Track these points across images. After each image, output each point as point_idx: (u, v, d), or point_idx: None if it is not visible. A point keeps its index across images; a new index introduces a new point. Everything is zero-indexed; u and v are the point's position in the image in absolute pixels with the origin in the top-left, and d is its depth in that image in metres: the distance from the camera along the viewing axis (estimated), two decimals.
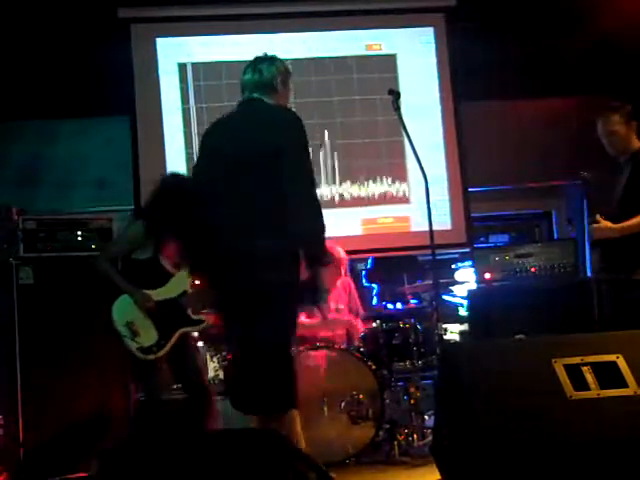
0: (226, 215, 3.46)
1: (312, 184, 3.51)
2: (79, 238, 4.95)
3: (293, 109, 6.33)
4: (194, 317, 4.26)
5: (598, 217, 4.07)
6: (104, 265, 4.18)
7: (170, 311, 4.17)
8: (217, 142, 3.65)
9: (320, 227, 3.45)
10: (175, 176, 4.38)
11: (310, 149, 3.54)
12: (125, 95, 6.30)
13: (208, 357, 6.22)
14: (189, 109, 6.36)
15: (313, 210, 3.43)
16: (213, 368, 6.17)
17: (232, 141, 3.55)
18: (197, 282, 4.32)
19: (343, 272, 5.57)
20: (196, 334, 5.93)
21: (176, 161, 6.28)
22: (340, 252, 5.43)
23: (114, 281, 4.13)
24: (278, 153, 3.38)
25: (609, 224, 4.08)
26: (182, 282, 4.25)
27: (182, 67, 6.39)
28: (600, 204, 4.65)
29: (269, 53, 3.90)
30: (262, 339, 3.40)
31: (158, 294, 4.16)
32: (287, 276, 3.37)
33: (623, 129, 4.30)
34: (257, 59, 3.79)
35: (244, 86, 3.72)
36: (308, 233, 3.42)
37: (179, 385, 4.55)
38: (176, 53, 6.41)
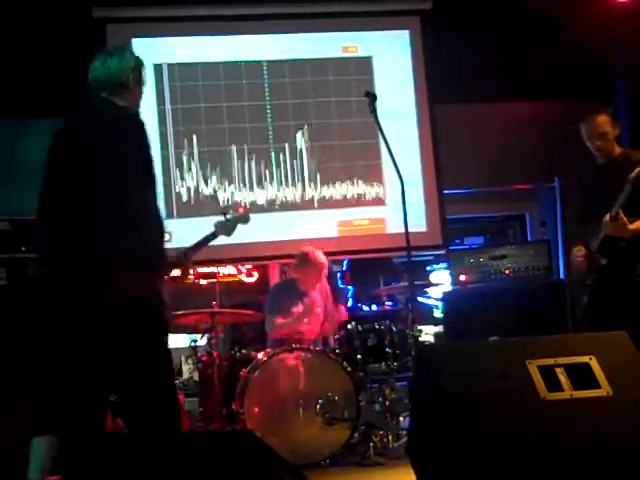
0: (72, 221, 3.18)
1: (148, 191, 3.16)
2: None
3: (268, 110, 6.42)
4: None
5: (620, 213, 4.07)
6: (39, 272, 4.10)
7: None
8: (63, 151, 3.40)
9: (148, 239, 3.12)
10: None
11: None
12: None
13: (183, 359, 6.22)
14: (165, 110, 6.33)
15: (145, 219, 3.12)
16: (188, 370, 6.17)
17: (76, 150, 3.30)
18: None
19: (322, 277, 5.57)
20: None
21: None
22: (321, 257, 5.44)
23: None
24: (118, 163, 3.13)
25: (627, 222, 4.09)
26: None
27: (158, 68, 6.36)
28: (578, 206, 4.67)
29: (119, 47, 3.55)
30: None
31: None
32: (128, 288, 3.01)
33: (612, 130, 4.34)
34: (106, 52, 3.43)
35: (93, 80, 3.40)
36: (137, 245, 3.08)
37: None
38: (152, 54, 6.37)
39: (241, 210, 3.90)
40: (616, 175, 4.27)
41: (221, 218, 3.81)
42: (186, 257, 3.70)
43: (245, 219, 3.87)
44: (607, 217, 4.15)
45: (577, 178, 4.75)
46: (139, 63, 3.42)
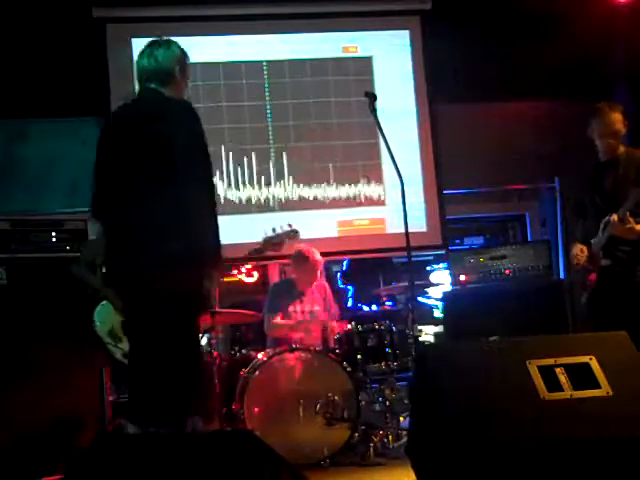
0: (121, 217, 3.29)
1: (203, 182, 3.20)
2: (53, 239, 4.91)
3: (268, 110, 6.42)
4: None
5: (627, 215, 4.07)
6: (81, 270, 4.09)
7: None
8: (112, 140, 3.47)
9: (208, 229, 3.17)
10: None
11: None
12: (100, 95, 6.26)
13: None
14: None
15: (201, 210, 3.15)
16: None
17: (124, 139, 3.35)
18: None
19: (319, 274, 5.58)
20: None
21: None
22: (316, 254, 5.45)
23: (92, 285, 4.06)
24: (166, 150, 3.15)
25: (634, 225, 4.09)
26: None
27: None
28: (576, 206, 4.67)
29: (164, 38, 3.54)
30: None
31: None
32: (176, 281, 3.12)
33: (623, 128, 4.34)
34: (153, 43, 3.45)
35: (139, 73, 3.42)
36: (198, 235, 3.14)
37: None
38: None
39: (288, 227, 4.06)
40: (620, 173, 4.27)
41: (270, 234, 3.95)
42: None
43: (294, 232, 4.05)
44: (614, 217, 4.14)
45: (576, 177, 4.75)
46: (184, 54, 3.48)
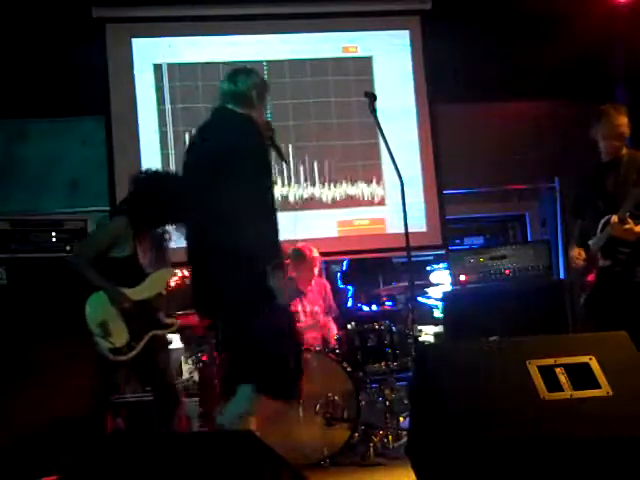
0: (195, 219, 3.65)
1: (258, 187, 3.50)
2: (53, 239, 4.91)
3: (268, 110, 6.41)
4: (165, 321, 4.19)
5: (627, 216, 4.07)
6: (81, 262, 4.08)
7: (143, 312, 4.08)
8: (189, 149, 3.82)
9: (264, 231, 3.46)
10: (153, 171, 4.33)
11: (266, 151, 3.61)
12: (100, 95, 6.27)
13: (183, 359, 6.21)
14: (165, 110, 6.34)
15: (256, 214, 3.44)
16: (187, 370, 6.16)
17: (197, 148, 3.72)
18: (172, 284, 4.27)
19: (317, 272, 5.57)
20: (170, 336, 5.91)
21: (151, 162, 6.24)
22: (313, 252, 5.45)
23: (90, 278, 4.02)
24: (227, 157, 3.48)
25: (634, 226, 4.09)
26: (158, 283, 4.17)
27: (158, 68, 6.37)
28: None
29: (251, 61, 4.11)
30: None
31: (134, 293, 4.08)
32: (243, 279, 3.42)
33: (628, 131, 4.34)
34: (235, 70, 3.83)
35: (220, 96, 3.77)
36: (254, 237, 3.41)
37: (148, 388, 4.48)
38: (152, 54, 6.38)
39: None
40: (622, 175, 4.26)
41: None
42: None
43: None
44: (615, 218, 4.14)
45: (576, 176, 4.75)
46: (263, 83, 3.83)
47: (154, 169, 4.35)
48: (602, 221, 4.26)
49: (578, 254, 4.39)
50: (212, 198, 3.48)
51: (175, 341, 6.33)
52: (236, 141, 3.53)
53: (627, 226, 4.10)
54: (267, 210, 3.51)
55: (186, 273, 5.73)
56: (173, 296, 4.25)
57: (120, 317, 4.02)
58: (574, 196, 4.68)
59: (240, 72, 3.80)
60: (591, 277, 4.33)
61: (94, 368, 4.40)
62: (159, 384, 4.20)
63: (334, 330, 5.35)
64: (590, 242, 4.34)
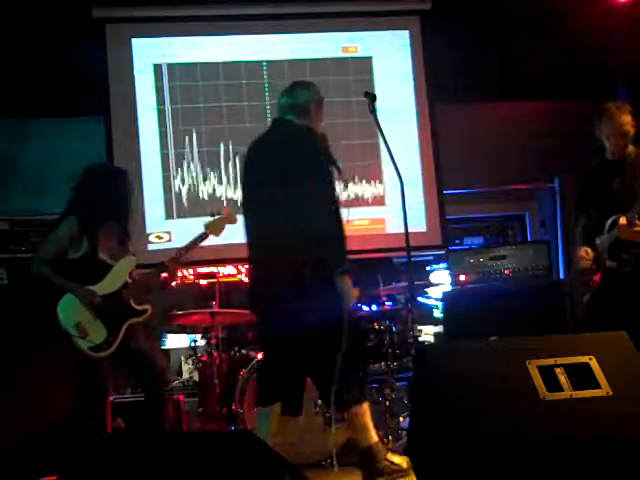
0: (253, 227, 3.83)
1: (324, 193, 3.69)
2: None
3: (268, 110, 6.41)
4: (138, 308, 4.18)
5: (636, 218, 4.05)
6: (42, 268, 4.08)
7: (114, 305, 4.08)
8: (247, 159, 3.98)
9: (333, 236, 3.61)
10: (96, 164, 4.42)
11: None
12: (100, 95, 6.26)
13: (183, 359, 6.22)
14: (164, 110, 6.33)
15: (325, 220, 3.61)
16: (187, 370, 6.17)
17: (255, 158, 3.90)
18: (133, 273, 4.27)
19: None
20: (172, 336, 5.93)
21: (151, 162, 6.26)
22: None
23: (54, 282, 4.04)
24: (285, 168, 3.66)
25: None
26: (122, 273, 4.17)
27: (157, 67, 6.36)
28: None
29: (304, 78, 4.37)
30: None
31: (101, 289, 4.07)
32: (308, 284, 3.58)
33: (632, 129, 4.31)
34: (294, 84, 4.02)
35: (279, 108, 3.97)
36: (323, 241, 3.59)
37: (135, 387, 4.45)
38: (152, 53, 6.38)
39: (225, 212, 4.40)
40: (630, 174, 4.23)
41: (210, 219, 4.34)
42: (174, 259, 4.29)
43: (230, 220, 4.36)
44: (623, 220, 4.11)
45: (579, 172, 4.72)
46: (320, 97, 4.00)
47: (100, 164, 4.39)
48: (609, 221, 4.23)
49: (585, 252, 4.36)
50: (279, 206, 3.64)
51: (175, 341, 6.35)
52: (299, 149, 3.72)
53: (636, 228, 4.06)
54: (334, 216, 3.64)
55: (186, 273, 5.75)
56: (140, 285, 4.25)
57: (94, 315, 4.02)
58: (578, 191, 4.64)
59: (299, 85, 4.00)
60: (597, 277, 4.31)
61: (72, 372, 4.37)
62: (147, 373, 4.17)
63: None
64: (598, 241, 4.31)
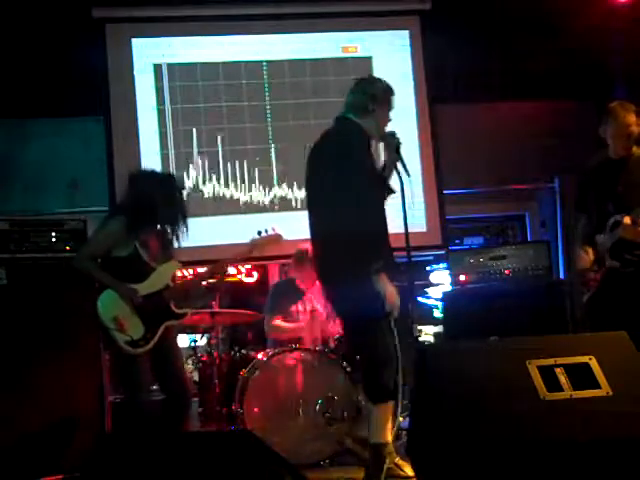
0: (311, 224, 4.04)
1: (353, 190, 3.71)
2: (53, 239, 4.91)
3: (268, 110, 6.42)
4: (177, 311, 4.21)
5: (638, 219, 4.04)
6: (86, 263, 4.12)
7: (155, 305, 4.12)
8: (309, 157, 4.07)
9: (359, 231, 3.65)
10: (150, 170, 4.39)
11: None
12: (100, 95, 6.26)
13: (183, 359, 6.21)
14: (164, 110, 6.33)
15: (352, 215, 3.68)
16: (187, 370, 6.17)
17: (312, 156, 4.02)
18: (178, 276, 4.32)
19: None
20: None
21: (151, 162, 6.25)
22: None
23: (98, 278, 4.08)
24: (329, 166, 3.79)
25: None
26: (164, 276, 4.21)
27: (158, 68, 6.36)
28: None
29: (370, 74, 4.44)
30: None
31: (142, 288, 4.11)
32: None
33: (637, 129, 4.29)
34: (359, 80, 4.04)
35: (344, 107, 4.00)
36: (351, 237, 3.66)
37: (157, 386, 4.47)
38: (152, 54, 6.38)
39: (274, 231, 4.59)
40: (632, 174, 4.21)
41: (257, 237, 4.51)
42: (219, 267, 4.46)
43: (278, 241, 4.58)
44: (627, 220, 4.09)
45: (579, 171, 4.70)
46: (386, 90, 4.00)
47: (151, 169, 4.40)
48: (611, 221, 4.21)
49: (585, 253, 4.34)
50: (325, 205, 3.84)
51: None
52: (340, 144, 3.82)
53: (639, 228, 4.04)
54: (371, 214, 3.74)
55: (186, 273, 5.75)
56: (181, 289, 4.28)
57: (133, 311, 4.05)
58: (577, 191, 4.63)
59: (362, 82, 4.02)
60: (597, 276, 4.30)
61: (94, 368, 4.40)
62: (172, 379, 4.22)
63: (334, 332, 5.35)
64: (599, 240, 4.29)
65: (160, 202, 4.15)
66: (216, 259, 6.24)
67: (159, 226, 4.25)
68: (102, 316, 4.02)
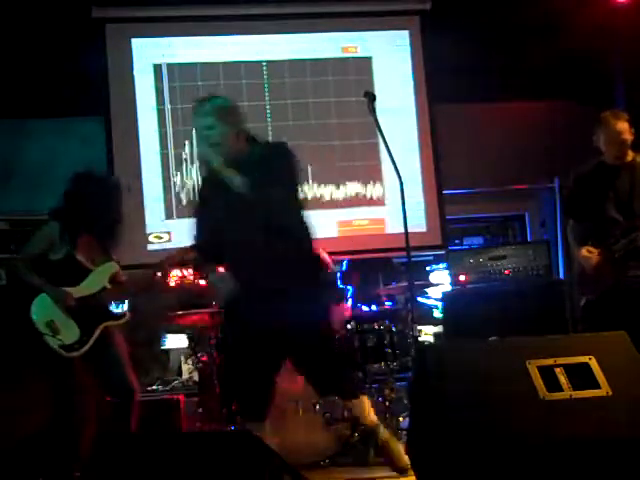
0: None
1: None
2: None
3: (268, 110, 6.42)
4: (115, 311, 4.22)
5: None
6: (20, 267, 4.12)
7: (91, 307, 4.09)
8: None
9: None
10: (85, 172, 4.36)
11: None
12: (100, 95, 6.26)
13: (183, 359, 6.22)
14: (164, 110, 6.34)
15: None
16: (187, 370, 6.17)
17: None
18: (117, 278, 4.27)
19: None
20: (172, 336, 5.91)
21: (151, 162, 6.26)
22: (325, 257, 5.42)
23: (32, 282, 4.07)
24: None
25: None
26: (101, 277, 4.17)
27: (157, 68, 6.36)
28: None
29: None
30: None
31: (77, 291, 4.09)
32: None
33: (630, 137, 4.31)
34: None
35: None
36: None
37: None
38: (151, 54, 6.38)
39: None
40: (633, 180, 4.23)
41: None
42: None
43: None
44: None
45: (572, 177, 4.70)
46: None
47: (88, 171, 4.37)
48: (622, 227, 4.21)
49: (587, 251, 4.32)
50: None
51: (175, 341, 6.34)
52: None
53: None
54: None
55: (186, 273, 5.75)
56: (119, 290, 4.27)
57: (67, 315, 4.04)
58: (569, 196, 4.63)
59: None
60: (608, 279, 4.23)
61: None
62: (113, 380, 4.16)
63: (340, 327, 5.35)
64: (615, 247, 4.25)
65: (94, 204, 4.14)
66: None
67: (94, 228, 4.20)
68: (36, 321, 4.02)
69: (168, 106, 6.35)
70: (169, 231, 6.21)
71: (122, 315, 4.24)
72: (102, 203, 4.19)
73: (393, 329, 5.04)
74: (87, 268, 4.17)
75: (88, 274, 4.16)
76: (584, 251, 4.33)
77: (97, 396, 4.21)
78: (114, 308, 4.28)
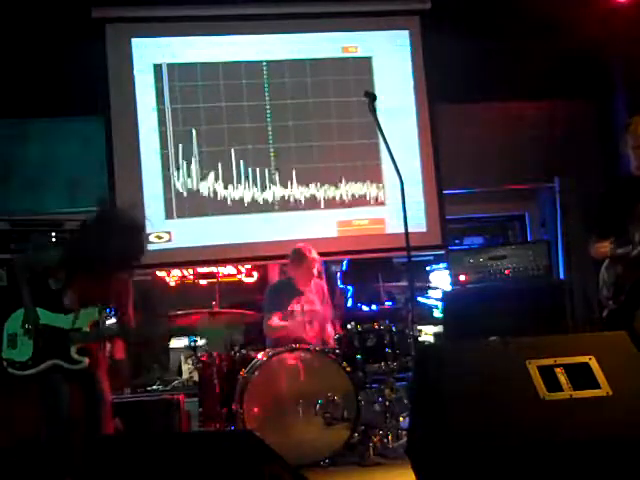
0: None
1: None
2: (53, 239, 4.90)
3: (268, 110, 6.42)
4: (75, 357, 4.03)
5: None
6: (20, 270, 4.10)
7: (51, 339, 4.01)
8: None
9: None
10: (105, 215, 4.21)
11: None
12: (100, 95, 6.26)
13: (182, 359, 6.22)
14: (164, 110, 6.34)
15: None
16: (187, 370, 6.18)
17: None
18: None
19: (316, 273, 5.55)
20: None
21: (151, 162, 6.26)
22: (312, 252, 5.43)
23: (20, 289, 4.06)
24: None
25: None
26: (81, 320, 4.08)
27: (157, 67, 6.36)
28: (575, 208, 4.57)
29: None
30: None
31: (49, 318, 4.04)
32: None
33: None
34: None
35: None
36: None
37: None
38: (152, 53, 6.38)
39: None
40: None
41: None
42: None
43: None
44: None
45: (577, 179, 4.64)
46: None
47: (99, 216, 4.19)
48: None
49: (602, 246, 4.04)
50: None
51: (175, 341, 6.35)
52: None
53: None
54: None
55: (186, 273, 5.75)
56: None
57: (29, 335, 4.01)
58: (598, 213, 4.27)
59: None
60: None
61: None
62: (51, 416, 4.02)
63: (332, 332, 5.35)
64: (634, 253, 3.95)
65: (99, 249, 3.98)
66: (215, 259, 6.30)
67: (97, 268, 4.08)
68: (5, 328, 4.04)
69: (168, 106, 6.34)
70: (169, 231, 6.21)
71: (79, 361, 4.03)
72: (111, 246, 3.99)
73: (393, 329, 5.05)
74: (70, 306, 4.10)
75: (69, 311, 4.08)
76: (598, 244, 4.08)
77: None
78: (94, 337, 4.13)
